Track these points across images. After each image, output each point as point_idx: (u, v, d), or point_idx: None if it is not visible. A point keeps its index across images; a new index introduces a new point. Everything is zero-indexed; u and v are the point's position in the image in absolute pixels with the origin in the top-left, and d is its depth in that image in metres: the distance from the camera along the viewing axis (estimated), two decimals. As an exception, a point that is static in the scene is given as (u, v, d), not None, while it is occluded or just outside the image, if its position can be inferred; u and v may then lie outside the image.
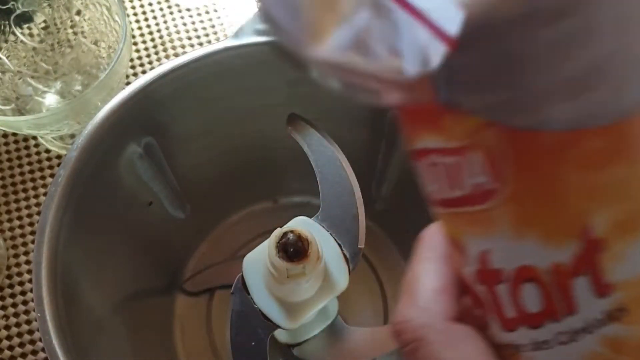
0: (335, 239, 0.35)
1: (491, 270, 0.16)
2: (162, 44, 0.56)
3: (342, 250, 0.35)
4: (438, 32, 0.12)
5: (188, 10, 0.58)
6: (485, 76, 0.13)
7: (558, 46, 0.12)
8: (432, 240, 0.20)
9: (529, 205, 0.15)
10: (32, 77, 0.50)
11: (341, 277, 0.35)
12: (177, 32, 0.57)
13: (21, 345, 0.45)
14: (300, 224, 0.35)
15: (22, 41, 0.50)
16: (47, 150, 0.52)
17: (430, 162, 0.16)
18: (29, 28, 0.50)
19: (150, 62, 0.55)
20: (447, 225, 0.18)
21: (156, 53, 0.56)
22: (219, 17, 0.58)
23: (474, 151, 0.14)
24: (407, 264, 0.48)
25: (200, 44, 0.56)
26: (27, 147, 0.52)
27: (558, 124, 0.13)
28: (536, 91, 0.13)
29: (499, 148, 0.14)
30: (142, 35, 0.56)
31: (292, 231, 0.32)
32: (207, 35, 0.57)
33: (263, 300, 0.34)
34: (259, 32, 0.39)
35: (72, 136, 0.51)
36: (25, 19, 0.50)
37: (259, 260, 0.34)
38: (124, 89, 0.38)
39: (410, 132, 0.17)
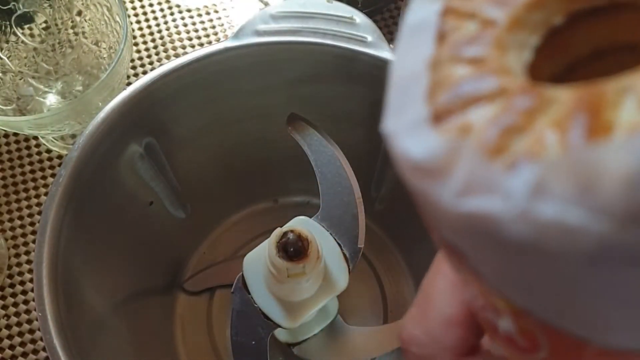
0: (335, 239, 0.35)
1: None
2: (163, 44, 0.56)
3: (341, 249, 0.35)
4: None
5: (188, 10, 0.58)
6: (548, 289, 0.11)
7: None
8: None
9: None
10: (33, 78, 0.50)
11: (341, 276, 0.35)
12: (178, 32, 0.57)
13: (22, 344, 0.45)
14: (300, 224, 0.35)
15: (23, 41, 0.50)
16: (48, 150, 0.52)
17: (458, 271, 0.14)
18: (30, 28, 0.51)
19: (151, 63, 0.56)
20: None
21: (157, 53, 0.56)
22: (219, 18, 0.58)
23: (504, 316, 0.13)
24: (406, 264, 0.48)
25: (201, 45, 0.57)
26: (28, 147, 0.52)
27: (621, 344, 0.11)
28: (608, 317, 0.10)
29: (534, 331, 0.12)
30: (142, 35, 0.57)
31: (292, 231, 0.32)
32: (207, 35, 0.57)
33: (263, 299, 0.34)
34: (259, 33, 0.39)
35: (73, 136, 0.51)
36: (26, 19, 0.50)
37: (259, 260, 0.34)
38: (124, 89, 0.38)
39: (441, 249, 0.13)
